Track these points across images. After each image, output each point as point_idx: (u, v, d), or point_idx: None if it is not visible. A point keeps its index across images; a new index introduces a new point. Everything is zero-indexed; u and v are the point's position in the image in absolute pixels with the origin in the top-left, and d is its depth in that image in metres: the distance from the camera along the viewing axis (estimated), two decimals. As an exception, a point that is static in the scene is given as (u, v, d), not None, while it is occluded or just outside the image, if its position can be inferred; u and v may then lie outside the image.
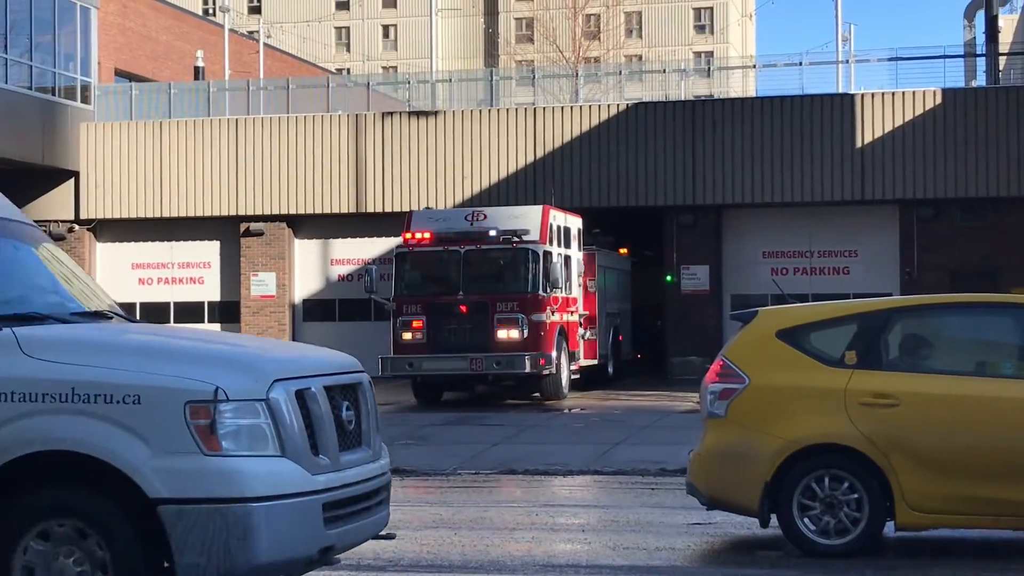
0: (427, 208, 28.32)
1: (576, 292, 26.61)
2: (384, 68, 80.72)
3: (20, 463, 6.52)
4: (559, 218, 25.76)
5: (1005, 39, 40.14)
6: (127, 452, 6.40)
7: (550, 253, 24.56)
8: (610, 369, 29.35)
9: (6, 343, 6.65)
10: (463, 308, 23.89)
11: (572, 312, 26.14)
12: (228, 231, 33.64)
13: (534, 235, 24.37)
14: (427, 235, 24.45)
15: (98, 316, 7.64)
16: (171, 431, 6.43)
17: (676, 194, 31.57)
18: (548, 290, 24.28)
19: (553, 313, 24.62)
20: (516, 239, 24.22)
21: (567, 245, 26.08)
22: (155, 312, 32.44)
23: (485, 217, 25.06)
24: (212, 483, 6.41)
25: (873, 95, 31.37)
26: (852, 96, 31.61)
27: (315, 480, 6.69)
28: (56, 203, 33.59)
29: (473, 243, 24.30)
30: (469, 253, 24.30)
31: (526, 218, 24.87)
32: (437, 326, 23.90)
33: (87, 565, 6.52)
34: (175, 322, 33.11)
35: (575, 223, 26.96)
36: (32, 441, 6.50)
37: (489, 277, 24.49)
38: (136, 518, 6.49)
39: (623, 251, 31.74)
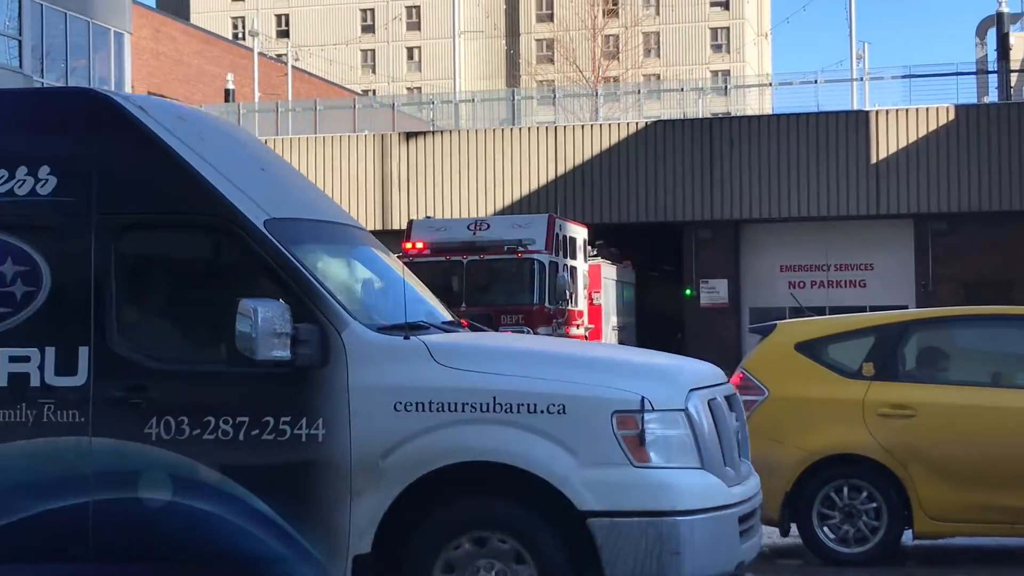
0: (428, 217, 27.60)
1: (582, 304, 25.65)
2: (409, 89, 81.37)
3: (436, 475, 6.24)
4: (564, 228, 24.84)
5: (1016, 56, 40.43)
6: (554, 463, 6.12)
7: (556, 264, 23.57)
8: None
9: (417, 352, 6.36)
10: (464, 322, 22.76)
11: (578, 326, 25.21)
12: (255, 249, 34.06)
13: (539, 245, 23.43)
14: (422, 244, 23.38)
15: (455, 324, 7.41)
16: (598, 442, 6.14)
17: (695, 209, 31.68)
18: (554, 302, 23.35)
19: (559, 327, 23.65)
20: (521, 249, 23.30)
21: (572, 256, 25.12)
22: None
23: (488, 226, 24.10)
24: (644, 495, 6.13)
25: (887, 111, 31.52)
26: (867, 112, 31.75)
27: (731, 493, 6.45)
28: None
29: (475, 253, 23.29)
30: (471, 263, 23.20)
31: (530, 227, 23.84)
32: None
33: None
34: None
35: (580, 233, 26.02)
36: (452, 452, 6.21)
37: (492, 288, 23.37)
38: (560, 531, 6.21)
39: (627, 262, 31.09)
